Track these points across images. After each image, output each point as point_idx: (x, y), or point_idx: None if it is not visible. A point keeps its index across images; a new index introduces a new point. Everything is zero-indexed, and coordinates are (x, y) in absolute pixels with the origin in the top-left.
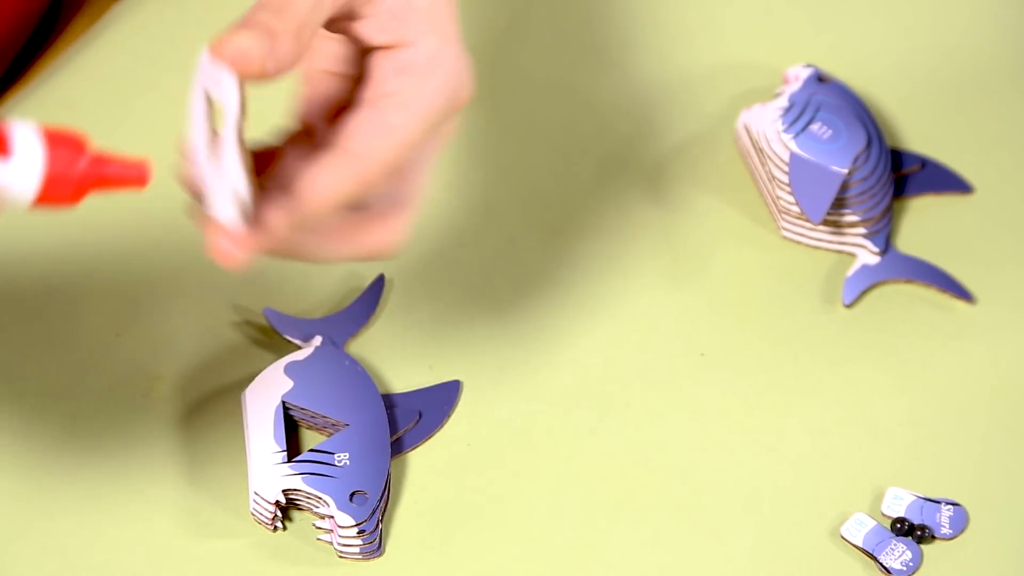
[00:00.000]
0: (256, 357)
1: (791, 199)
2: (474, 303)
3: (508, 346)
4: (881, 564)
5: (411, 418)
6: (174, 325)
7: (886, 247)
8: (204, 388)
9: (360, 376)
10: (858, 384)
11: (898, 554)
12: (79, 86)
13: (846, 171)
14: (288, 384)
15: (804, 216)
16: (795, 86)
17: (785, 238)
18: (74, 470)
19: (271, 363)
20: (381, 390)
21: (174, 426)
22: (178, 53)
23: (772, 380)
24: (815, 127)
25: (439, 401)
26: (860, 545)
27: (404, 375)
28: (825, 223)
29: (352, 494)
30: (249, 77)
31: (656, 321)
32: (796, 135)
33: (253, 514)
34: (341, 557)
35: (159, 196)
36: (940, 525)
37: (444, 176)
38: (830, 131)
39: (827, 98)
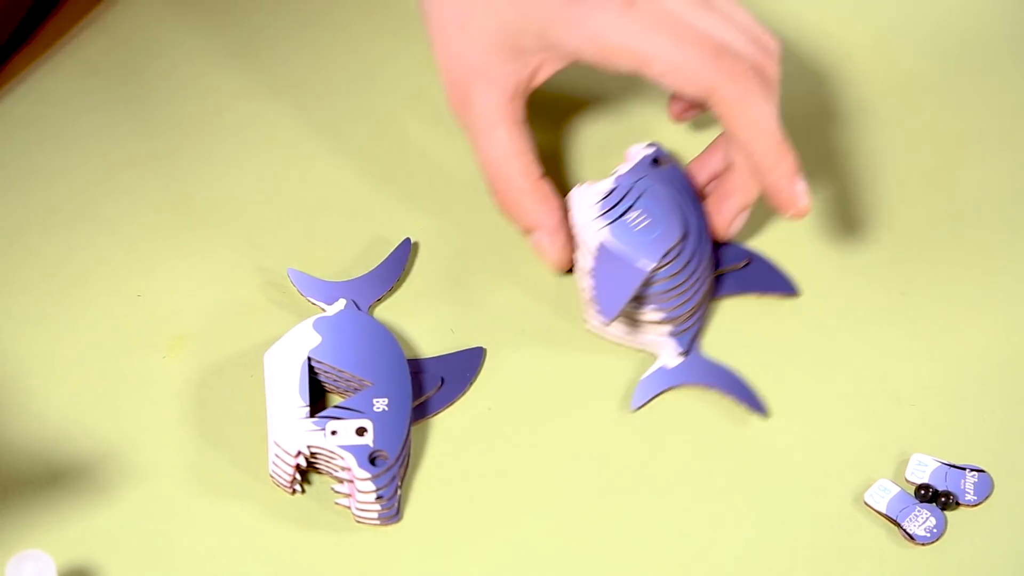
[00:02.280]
0: (278, 319)
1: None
2: (498, 267)
3: (531, 310)
4: (905, 530)
5: (435, 384)
6: (195, 286)
7: (689, 348)
8: (225, 349)
9: (386, 338)
10: (883, 350)
11: (922, 520)
12: (100, 48)
13: (650, 268)
14: (316, 339)
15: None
16: (626, 167)
17: (588, 331)
18: (92, 430)
19: (293, 325)
20: (406, 354)
21: (194, 387)
22: (199, 13)
23: (796, 346)
24: (632, 215)
25: (462, 368)
26: (884, 511)
27: (427, 339)
28: (625, 319)
29: (372, 456)
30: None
31: None
32: (611, 223)
33: (272, 476)
34: (359, 522)
35: (179, 156)
36: (965, 492)
37: (468, 141)
38: (647, 220)
39: (655, 184)
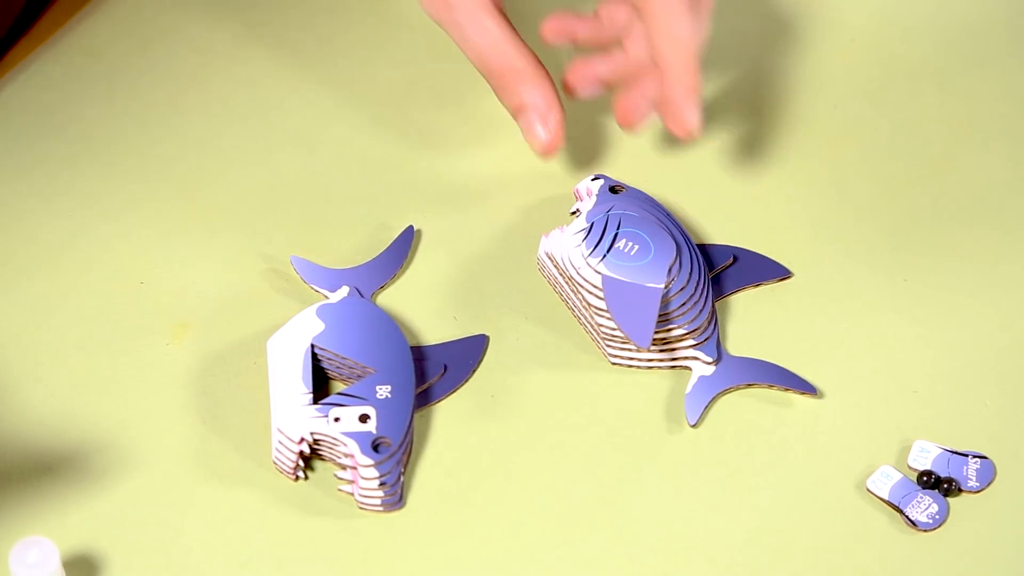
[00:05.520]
0: (281, 306)
1: (612, 324)
2: (500, 254)
3: (534, 297)
4: (907, 517)
5: (438, 371)
6: (198, 273)
7: (719, 354)
8: (228, 336)
9: (389, 326)
10: (885, 336)
11: (924, 507)
12: (103, 34)
13: (663, 286)
14: (319, 326)
15: (629, 340)
16: (589, 203)
17: (614, 364)
18: (96, 417)
19: (296, 312)
20: (409, 341)
21: (197, 374)
22: (201, 1)
23: (798, 331)
24: (621, 244)
25: (465, 355)
26: (886, 498)
27: (430, 326)
28: (653, 342)
29: (375, 443)
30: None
31: None
32: (603, 257)
33: (275, 462)
34: (362, 508)
35: (182, 143)
36: (967, 478)
37: (471, 129)
38: (636, 246)
39: (625, 210)
